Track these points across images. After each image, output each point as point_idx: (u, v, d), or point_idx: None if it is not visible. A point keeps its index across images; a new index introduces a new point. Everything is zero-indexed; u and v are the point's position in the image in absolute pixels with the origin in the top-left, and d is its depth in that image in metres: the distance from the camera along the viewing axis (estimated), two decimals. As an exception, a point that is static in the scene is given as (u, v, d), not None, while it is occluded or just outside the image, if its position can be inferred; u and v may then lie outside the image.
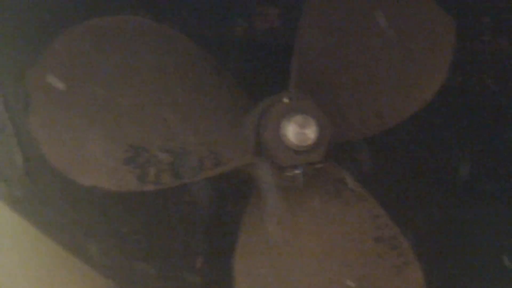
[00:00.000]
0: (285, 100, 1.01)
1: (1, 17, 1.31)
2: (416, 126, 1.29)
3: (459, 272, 1.41)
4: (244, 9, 1.45)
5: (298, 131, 0.97)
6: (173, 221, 1.42)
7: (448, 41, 1.22)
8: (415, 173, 1.36)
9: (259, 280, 1.07)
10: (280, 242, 1.09)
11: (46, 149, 1.07)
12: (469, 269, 1.40)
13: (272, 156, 1.01)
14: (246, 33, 1.44)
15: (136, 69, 1.13)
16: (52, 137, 1.08)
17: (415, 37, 1.22)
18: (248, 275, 1.07)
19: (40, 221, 1.50)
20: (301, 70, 1.09)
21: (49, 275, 1.65)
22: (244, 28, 1.45)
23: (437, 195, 1.38)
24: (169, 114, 1.11)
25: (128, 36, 1.16)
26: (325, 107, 1.10)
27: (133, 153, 1.06)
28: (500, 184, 1.41)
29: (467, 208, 1.39)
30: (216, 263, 1.34)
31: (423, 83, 1.21)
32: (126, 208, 1.43)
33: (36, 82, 1.10)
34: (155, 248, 1.50)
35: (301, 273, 1.07)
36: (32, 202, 1.18)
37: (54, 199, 1.19)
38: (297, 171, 1.00)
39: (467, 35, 1.46)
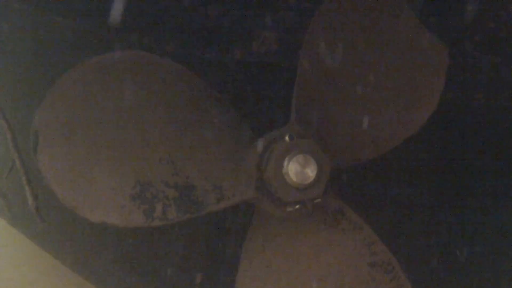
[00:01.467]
0: (287, 138, 1.06)
1: (10, 58, 1.33)
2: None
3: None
4: (243, 33, 1.48)
5: (299, 170, 1.02)
6: (174, 240, 1.47)
7: (441, 69, 1.26)
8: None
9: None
10: (280, 268, 1.15)
11: (55, 186, 1.10)
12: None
13: (274, 192, 1.06)
14: (244, 56, 1.48)
15: (140, 105, 1.17)
16: (61, 174, 1.11)
17: (409, 66, 1.26)
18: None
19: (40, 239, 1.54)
20: (301, 103, 1.14)
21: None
22: (243, 51, 1.48)
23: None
24: (174, 149, 1.15)
25: (132, 71, 1.19)
26: (324, 137, 1.16)
27: (140, 189, 1.11)
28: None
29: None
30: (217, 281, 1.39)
31: (416, 109, 1.26)
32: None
33: (44, 121, 1.14)
34: (155, 264, 1.55)
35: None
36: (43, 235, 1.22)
37: (62, 233, 1.22)
38: (297, 206, 1.05)
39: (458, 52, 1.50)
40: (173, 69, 1.21)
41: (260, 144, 1.10)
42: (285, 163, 1.03)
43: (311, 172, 1.02)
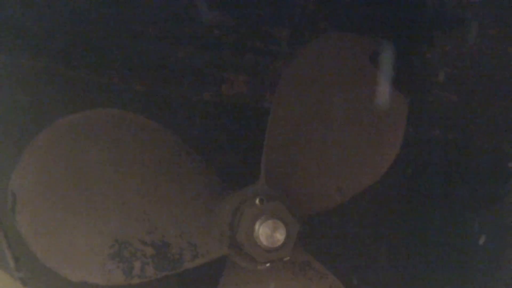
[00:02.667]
0: (257, 202, 1.12)
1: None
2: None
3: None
4: (214, 76, 1.52)
5: (269, 235, 1.09)
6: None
7: (401, 119, 1.35)
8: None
9: None
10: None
11: (35, 247, 1.15)
12: None
13: (245, 251, 1.13)
14: (214, 98, 1.53)
15: (115, 163, 1.21)
16: (40, 234, 1.16)
17: (371, 117, 1.33)
18: None
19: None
20: (270, 164, 1.20)
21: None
22: (212, 93, 1.53)
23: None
24: (149, 206, 1.20)
25: (105, 129, 1.23)
26: (292, 189, 1.24)
27: (118, 247, 1.16)
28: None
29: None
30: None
31: (378, 158, 1.34)
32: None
33: (21, 182, 1.17)
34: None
35: None
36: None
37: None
38: (268, 264, 1.13)
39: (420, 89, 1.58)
40: (146, 125, 1.25)
41: (231, 204, 1.17)
42: (256, 227, 1.10)
43: (280, 236, 1.09)
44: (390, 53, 1.35)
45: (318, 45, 1.27)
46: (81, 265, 1.15)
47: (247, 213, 1.12)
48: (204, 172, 1.25)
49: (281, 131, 1.21)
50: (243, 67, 1.53)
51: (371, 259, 1.48)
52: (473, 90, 1.52)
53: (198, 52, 1.53)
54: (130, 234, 1.18)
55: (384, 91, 1.33)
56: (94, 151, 1.21)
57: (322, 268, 1.22)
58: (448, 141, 1.62)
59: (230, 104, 1.53)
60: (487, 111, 1.56)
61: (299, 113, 1.27)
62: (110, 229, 1.18)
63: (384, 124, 1.34)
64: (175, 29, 1.52)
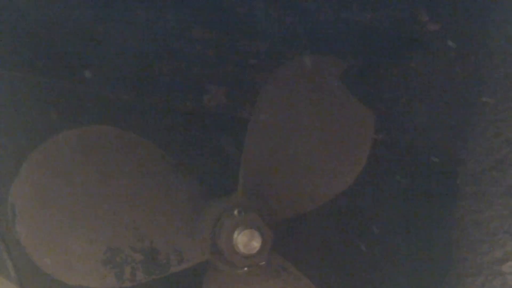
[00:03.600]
0: (236, 213, 1.25)
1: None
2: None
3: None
4: (195, 87, 1.64)
5: (246, 243, 1.22)
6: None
7: (367, 133, 1.47)
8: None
9: None
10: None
11: (34, 254, 1.26)
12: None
13: (225, 257, 1.26)
14: (195, 109, 1.64)
15: (107, 176, 1.32)
16: (39, 244, 1.27)
17: (340, 130, 1.46)
18: None
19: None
20: (248, 176, 1.32)
21: None
22: (194, 103, 1.64)
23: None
24: (137, 216, 1.32)
25: (98, 145, 1.34)
26: (267, 196, 1.36)
27: (111, 254, 1.28)
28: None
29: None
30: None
31: (347, 168, 1.47)
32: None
33: (20, 193, 1.28)
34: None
35: None
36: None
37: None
38: (246, 268, 1.26)
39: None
40: (133, 140, 1.36)
41: (212, 214, 1.30)
42: (235, 236, 1.23)
43: (256, 243, 1.23)
44: (359, 72, 1.48)
45: (294, 65, 1.39)
46: (77, 270, 1.27)
47: (226, 223, 1.24)
48: (187, 182, 1.37)
49: (258, 144, 1.34)
50: (223, 79, 1.65)
51: (341, 262, 1.62)
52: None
53: (181, 65, 1.64)
54: (121, 241, 1.29)
55: (352, 107, 1.45)
56: (88, 165, 1.32)
57: (296, 271, 1.35)
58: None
59: (210, 114, 1.64)
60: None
61: (274, 127, 1.39)
62: (103, 237, 1.29)
63: (353, 136, 1.47)
64: (159, 43, 1.62)
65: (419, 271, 1.60)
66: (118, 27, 1.59)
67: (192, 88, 1.63)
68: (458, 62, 1.46)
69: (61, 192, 1.30)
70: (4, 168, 1.42)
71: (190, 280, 1.34)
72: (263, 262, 1.27)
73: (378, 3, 1.24)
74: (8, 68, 1.49)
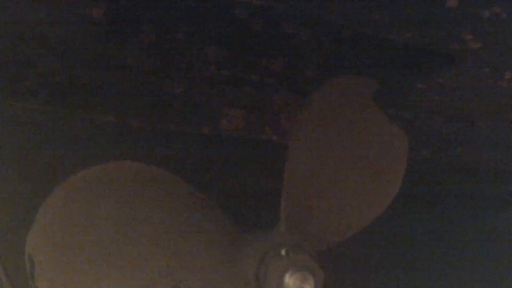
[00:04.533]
0: (283, 253, 1.15)
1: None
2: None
3: None
4: (211, 110, 1.52)
5: (299, 286, 1.12)
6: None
7: (402, 155, 1.40)
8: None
9: None
10: None
11: (59, 310, 1.13)
12: None
13: (273, 300, 1.16)
14: (212, 132, 1.53)
15: (132, 217, 1.20)
16: (63, 297, 1.14)
17: (375, 154, 1.38)
18: None
19: None
20: (288, 208, 1.23)
21: None
22: (210, 128, 1.53)
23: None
24: (171, 260, 1.20)
25: (118, 183, 1.21)
26: (307, 230, 1.27)
27: (144, 304, 1.16)
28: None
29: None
30: None
31: (383, 192, 1.40)
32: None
33: (36, 244, 1.14)
34: None
35: None
36: None
37: None
38: (295, 313, 1.17)
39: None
40: (158, 175, 1.24)
41: (254, 254, 1.19)
42: (286, 279, 1.13)
43: (309, 286, 1.13)
44: (390, 91, 1.41)
45: (328, 89, 1.30)
46: (108, 325, 1.14)
47: (274, 265, 1.14)
48: (218, 219, 1.26)
49: (297, 175, 1.24)
50: (241, 100, 1.54)
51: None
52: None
53: (195, 88, 1.52)
54: (154, 289, 1.17)
55: (386, 128, 1.38)
56: (109, 207, 1.19)
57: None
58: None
59: (228, 139, 1.53)
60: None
61: (312, 155, 1.30)
62: (133, 286, 1.17)
63: (387, 159, 1.40)
64: (171, 64, 1.50)
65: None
66: (126, 48, 1.45)
67: (208, 111, 1.52)
68: (490, 80, 1.42)
69: (83, 238, 1.17)
70: (18, 215, 1.27)
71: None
72: (313, 304, 1.17)
73: (421, 23, 1.17)
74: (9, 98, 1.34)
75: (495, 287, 1.73)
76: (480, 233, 1.73)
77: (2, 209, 1.30)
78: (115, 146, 1.47)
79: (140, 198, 1.21)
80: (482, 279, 1.72)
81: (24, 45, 1.38)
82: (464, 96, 1.51)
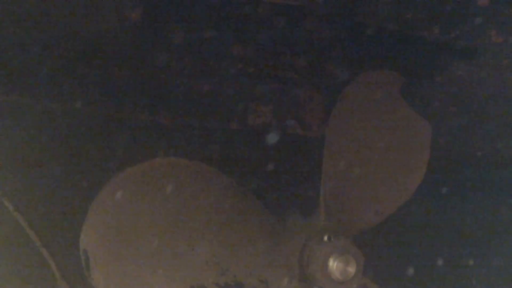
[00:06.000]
0: (326, 239, 1.22)
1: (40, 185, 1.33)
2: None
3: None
4: (240, 106, 1.58)
5: (342, 269, 1.19)
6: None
7: (426, 142, 1.47)
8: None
9: None
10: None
11: (114, 301, 1.18)
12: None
13: (317, 284, 1.23)
14: (240, 127, 1.58)
15: (178, 210, 1.25)
16: (118, 288, 1.19)
17: (401, 142, 1.45)
18: None
19: None
20: (328, 194, 1.29)
21: None
22: (239, 123, 1.58)
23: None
24: (217, 249, 1.26)
25: (166, 178, 1.26)
26: (344, 216, 1.34)
27: (194, 293, 1.22)
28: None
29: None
30: None
31: (409, 180, 1.47)
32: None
33: (90, 239, 1.19)
34: None
35: None
36: None
37: None
38: (338, 294, 1.23)
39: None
40: (203, 170, 1.29)
41: (297, 241, 1.25)
42: (330, 263, 1.19)
43: (351, 269, 1.20)
44: (413, 84, 1.48)
45: (360, 82, 1.37)
46: (161, 314, 1.19)
47: (320, 250, 1.21)
48: (258, 208, 1.32)
49: (334, 164, 1.30)
50: (267, 96, 1.60)
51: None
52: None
53: (222, 85, 1.58)
54: (204, 278, 1.23)
55: (411, 118, 1.45)
56: (157, 201, 1.24)
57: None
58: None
59: (257, 133, 1.59)
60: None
61: (346, 145, 1.36)
62: (184, 276, 1.22)
63: (412, 147, 1.46)
64: (199, 63, 1.55)
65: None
66: (155, 47, 1.51)
67: (235, 107, 1.57)
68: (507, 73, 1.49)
69: (133, 232, 1.22)
70: (72, 212, 1.31)
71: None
72: (355, 286, 1.24)
73: (450, 18, 1.24)
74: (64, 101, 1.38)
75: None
76: (495, 221, 1.79)
77: (55, 208, 1.35)
78: (148, 145, 1.52)
79: (185, 193, 1.27)
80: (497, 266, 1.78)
81: (59, 46, 1.42)
82: (481, 88, 1.58)
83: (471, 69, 1.52)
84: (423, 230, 1.67)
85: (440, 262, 1.69)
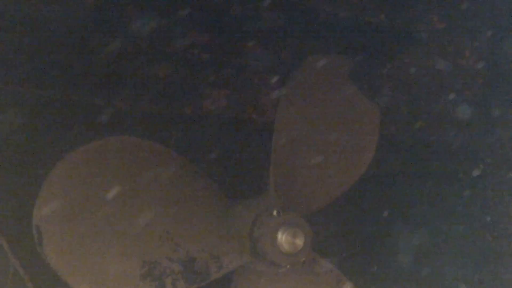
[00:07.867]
0: (275, 213, 1.26)
1: None
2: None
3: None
4: (194, 91, 1.61)
5: (290, 242, 1.24)
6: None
7: (375, 124, 1.54)
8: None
9: None
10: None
11: (68, 278, 1.19)
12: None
13: (267, 257, 1.27)
14: (195, 112, 1.61)
15: (132, 187, 1.28)
16: (70, 265, 1.20)
17: (351, 124, 1.51)
18: None
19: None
20: (276, 175, 1.34)
21: None
22: (193, 107, 1.62)
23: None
24: (170, 226, 1.29)
25: (119, 156, 1.29)
26: (294, 194, 1.39)
27: (148, 267, 1.24)
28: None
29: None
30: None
31: (359, 159, 1.53)
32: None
33: (42, 215, 1.20)
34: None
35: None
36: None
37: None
38: (288, 266, 1.28)
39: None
40: (153, 148, 1.32)
41: (247, 217, 1.29)
42: (279, 236, 1.24)
43: (299, 241, 1.24)
44: (363, 69, 1.54)
45: (308, 66, 1.42)
46: (115, 289, 1.22)
47: (269, 224, 1.25)
48: (211, 187, 1.36)
49: (284, 144, 1.35)
50: (223, 82, 1.64)
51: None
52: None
53: (178, 70, 1.61)
54: (157, 254, 1.26)
55: (360, 101, 1.51)
56: (111, 178, 1.26)
57: (327, 263, 1.38)
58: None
59: (212, 117, 1.62)
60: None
61: (296, 127, 1.41)
62: (137, 251, 1.25)
63: (361, 128, 1.52)
64: (155, 48, 1.58)
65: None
66: (111, 33, 1.52)
67: (191, 92, 1.60)
68: (451, 57, 1.56)
69: (86, 209, 1.24)
70: (24, 189, 1.32)
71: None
72: (304, 259, 1.29)
73: (394, 5, 1.30)
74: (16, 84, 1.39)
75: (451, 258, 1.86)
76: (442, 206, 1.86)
77: (6, 185, 1.35)
78: (103, 127, 1.53)
79: (138, 170, 1.29)
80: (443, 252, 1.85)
81: (14, 30, 1.43)
82: (427, 74, 1.65)
83: (418, 57, 1.59)
84: (373, 211, 1.73)
85: (391, 241, 1.75)
